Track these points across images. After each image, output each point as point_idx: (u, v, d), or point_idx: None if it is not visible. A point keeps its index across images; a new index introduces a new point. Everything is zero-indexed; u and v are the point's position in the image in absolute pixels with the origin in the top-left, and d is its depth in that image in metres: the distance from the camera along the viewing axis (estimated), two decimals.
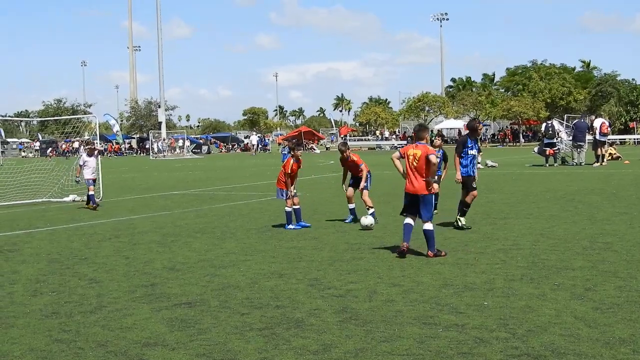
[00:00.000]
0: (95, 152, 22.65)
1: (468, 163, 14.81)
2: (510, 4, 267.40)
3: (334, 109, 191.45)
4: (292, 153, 15.80)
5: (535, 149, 38.26)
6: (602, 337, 6.96)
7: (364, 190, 16.01)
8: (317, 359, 6.61)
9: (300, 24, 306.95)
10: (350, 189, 16.29)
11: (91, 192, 21.37)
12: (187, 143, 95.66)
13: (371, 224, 14.88)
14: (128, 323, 8.03)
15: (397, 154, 12.32)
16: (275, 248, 12.99)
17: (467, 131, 15.29)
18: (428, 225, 11.67)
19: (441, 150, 16.69)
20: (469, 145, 14.84)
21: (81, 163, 21.91)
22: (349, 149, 16.37)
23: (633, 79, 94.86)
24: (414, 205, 11.88)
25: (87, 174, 21.67)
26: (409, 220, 11.90)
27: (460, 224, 14.65)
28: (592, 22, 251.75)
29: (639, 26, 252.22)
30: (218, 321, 7.99)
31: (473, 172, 14.89)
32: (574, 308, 8.11)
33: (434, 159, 11.69)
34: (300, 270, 10.86)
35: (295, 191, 15.71)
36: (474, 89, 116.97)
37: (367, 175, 16.07)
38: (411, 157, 11.87)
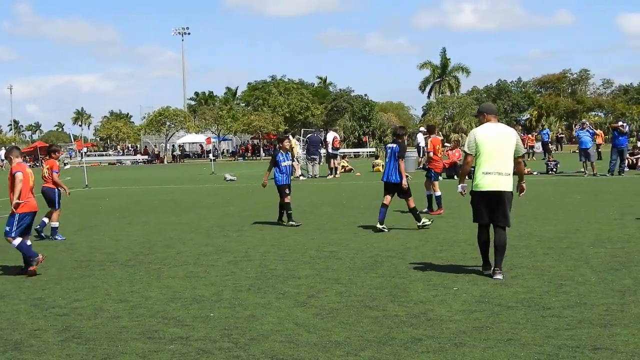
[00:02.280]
0: None
1: (284, 172, 17.13)
2: (252, 19, 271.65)
3: (74, 123, 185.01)
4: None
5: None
6: (319, 342, 7.27)
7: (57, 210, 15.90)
8: None
9: (36, 34, 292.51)
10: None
11: None
12: None
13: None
14: None
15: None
16: None
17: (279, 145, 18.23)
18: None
19: (397, 147, 15.56)
20: (281, 158, 17.19)
21: None
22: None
23: (366, 95, 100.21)
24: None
25: None
26: (25, 239, 11.89)
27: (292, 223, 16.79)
28: (330, 40, 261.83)
29: (371, 45, 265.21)
30: None
31: (287, 180, 17.16)
32: (296, 315, 8.41)
33: (18, 176, 11.79)
34: (24, 290, 10.41)
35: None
36: (216, 104, 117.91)
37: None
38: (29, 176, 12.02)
